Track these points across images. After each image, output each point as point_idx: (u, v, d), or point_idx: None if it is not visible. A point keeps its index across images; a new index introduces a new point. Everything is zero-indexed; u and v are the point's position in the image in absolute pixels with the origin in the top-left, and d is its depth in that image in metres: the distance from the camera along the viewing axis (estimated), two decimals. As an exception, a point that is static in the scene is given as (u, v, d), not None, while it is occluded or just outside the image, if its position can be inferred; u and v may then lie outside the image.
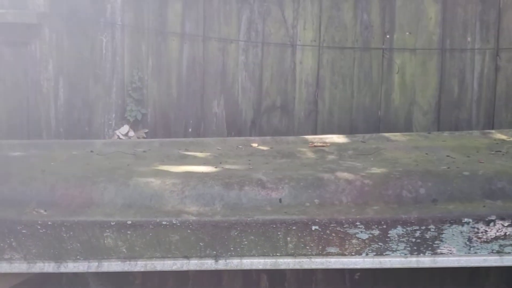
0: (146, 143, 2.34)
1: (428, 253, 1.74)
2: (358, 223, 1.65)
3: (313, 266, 1.76)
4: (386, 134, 2.40)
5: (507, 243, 1.69)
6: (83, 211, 1.77)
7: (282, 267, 1.77)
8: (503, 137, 2.25)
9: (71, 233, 1.74)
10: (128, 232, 1.73)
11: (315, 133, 3.12)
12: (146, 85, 3.08)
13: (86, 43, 3.04)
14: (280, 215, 1.68)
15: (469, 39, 3.10)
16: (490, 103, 3.12)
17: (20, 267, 1.84)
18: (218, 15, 3.06)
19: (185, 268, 1.80)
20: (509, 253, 1.71)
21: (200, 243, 1.75)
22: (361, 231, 1.68)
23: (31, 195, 1.84)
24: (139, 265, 1.81)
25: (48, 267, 1.84)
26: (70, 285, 2.82)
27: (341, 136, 2.39)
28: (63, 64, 3.05)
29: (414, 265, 1.76)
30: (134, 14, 3.05)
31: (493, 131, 2.49)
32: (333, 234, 1.69)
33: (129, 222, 1.71)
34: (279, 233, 1.69)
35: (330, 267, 1.77)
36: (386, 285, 3.10)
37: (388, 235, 1.69)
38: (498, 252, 1.72)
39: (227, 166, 1.96)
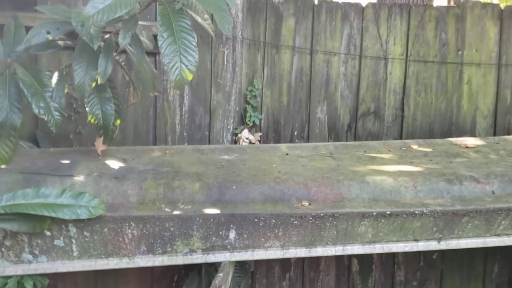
0: (322, 146, 2.70)
1: None
2: (560, 207, 2.17)
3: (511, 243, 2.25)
4: (508, 137, 2.95)
5: None
6: (339, 205, 2.13)
7: (490, 245, 2.25)
8: None
9: (335, 222, 2.10)
10: (382, 220, 2.12)
11: (401, 136, 3.63)
12: (260, 93, 3.41)
13: (209, 54, 3.32)
14: (502, 203, 2.16)
15: (519, 56, 3.73)
16: (533, 109, 3.78)
17: (275, 253, 2.17)
18: (324, 30, 3.47)
19: (414, 249, 2.22)
20: None
21: (434, 228, 2.17)
22: (559, 214, 2.20)
23: (289, 193, 2.17)
24: (377, 248, 2.20)
25: (301, 252, 2.17)
26: (208, 273, 3.08)
27: (476, 139, 2.90)
28: (187, 73, 3.30)
29: None
30: (252, 28, 3.38)
31: None
32: (538, 217, 2.19)
33: (388, 212, 2.10)
34: (499, 218, 2.17)
35: (525, 243, 2.26)
36: (451, 262, 3.67)
37: None
38: None
39: (423, 165, 2.40)
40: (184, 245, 2.11)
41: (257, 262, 3.43)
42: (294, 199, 2.14)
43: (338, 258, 3.56)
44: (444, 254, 3.67)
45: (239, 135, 3.31)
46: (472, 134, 3.71)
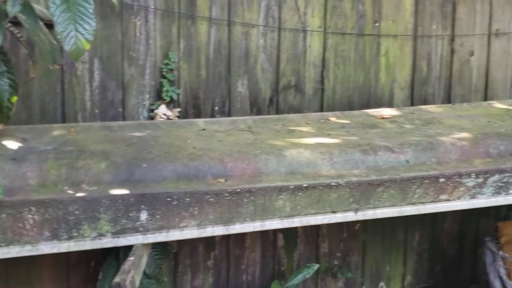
0: (241, 120, 2.62)
1: (504, 194, 2.35)
2: (472, 174, 2.20)
3: (427, 211, 2.27)
4: (423, 107, 2.98)
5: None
6: (256, 179, 2.07)
7: (405, 214, 2.26)
8: (504, 106, 2.95)
9: (252, 197, 2.03)
10: (300, 193, 2.07)
11: (322, 108, 3.61)
12: (177, 67, 3.28)
13: (120, 26, 3.15)
14: (416, 172, 2.16)
15: (434, 27, 3.79)
16: (447, 80, 3.87)
17: (191, 233, 2.08)
18: (241, 1, 3.37)
19: (332, 221, 2.19)
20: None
21: (350, 199, 2.15)
22: (471, 180, 2.23)
23: (204, 169, 2.07)
24: (296, 222, 2.16)
25: (218, 230, 2.10)
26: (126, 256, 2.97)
27: (392, 109, 2.91)
28: (97, 46, 3.12)
29: (493, 204, 2.35)
30: (165, -2, 3.22)
31: (494, 102, 3.20)
32: (451, 184, 2.22)
33: (305, 185, 2.06)
34: (413, 186, 2.17)
35: (438, 210, 2.29)
36: (373, 232, 3.73)
37: (486, 182, 2.26)
38: (545, 187, 2.39)
39: (340, 137, 2.37)
40: (92, 229, 1.98)
41: (180, 243, 3.33)
42: (210, 176, 2.05)
43: (264, 234, 3.53)
44: (366, 224, 3.71)
45: (155, 111, 3.17)
46: (390, 105, 3.74)
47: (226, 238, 3.43)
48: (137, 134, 2.33)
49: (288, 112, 3.49)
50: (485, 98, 3.96)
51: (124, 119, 3.19)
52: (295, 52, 3.49)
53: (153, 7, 3.17)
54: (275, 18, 3.44)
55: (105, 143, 2.19)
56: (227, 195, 2.00)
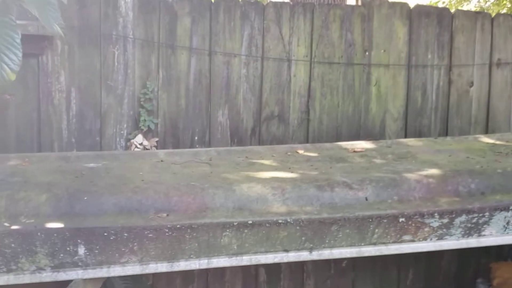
0: (204, 152, 2.55)
1: (475, 235, 2.19)
2: (435, 214, 2.06)
3: (390, 252, 2.13)
4: (402, 140, 2.85)
5: (531, 223, 2.21)
6: (201, 215, 1.98)
7: (365, 254, 2.12)
8: (491, 141, 2.79)
9: (194, 234, 1.94)
10: (245, 230, 1.97)
11: (307, 140, 3.51)
12: (156, 96, 3.24)
13: (98, 55, 3.13)
14: (373, 211, 2.04)
15: (429, 56, 3.66)
16: (445, 111, 3.72)
17: (133, 269, 1.99)
18: (223, 30, 3.32)
19: (284, 260, 2.08)
20: (530, 231, 2.22)
21: (302, 238, 2.04)
22: (435, 220, 2.09)
23: (147, 203, 2.00)
24: (245, 260, 2.05)
25: (162, 267, 2.01)
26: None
27: (368, 142, 2.79)
28: (75, 75, 3.11)
29: (464, 246, 2.20)
30: (144, 28, 3.20)
31: (481, 136, 3.04)
32: (413, 224, 2.08)
33: (250, 222, 1.96)
34: (371, 226, 2.05)
35: (402, 252, 2.15)
36: (363, 269, 3.57)
37: (453, 223, 2.12)
38: (523, 231, 2.23)
39: (300, 171, 2.27)
40: (30, 262, 1.92)
41: (156, 275, 3.25)
42: (153, 210, 1.98)
43: (244, 268, 3.42)
44: (355, 261, 3.56)
45: (131, 140, 3.13)
46: (382, 137, 3.61)
47: (205, 271, 3.33)
48: (92, 165, 2.28)
49: (271, 143, 3.41)
50: (486, 130, 3.80)
51: (101, 148, 3.17)
52: (279, 81, 3.42)
53: (131, 36, 3.16)
54: (258, 47, 3.38)
55: (54, 174, 2.15)
56: (167, 230, 1.91)
